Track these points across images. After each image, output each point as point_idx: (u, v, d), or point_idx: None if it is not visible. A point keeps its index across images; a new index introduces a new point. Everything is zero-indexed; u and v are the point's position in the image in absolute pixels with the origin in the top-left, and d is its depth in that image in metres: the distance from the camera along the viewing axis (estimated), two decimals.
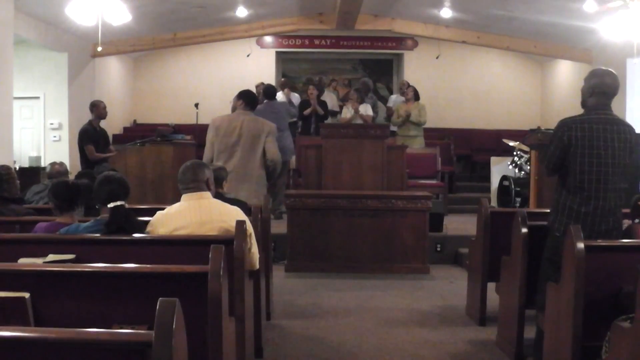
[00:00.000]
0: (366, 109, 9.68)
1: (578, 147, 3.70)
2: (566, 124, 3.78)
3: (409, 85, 10.45)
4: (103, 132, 7.78)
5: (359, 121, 9.45)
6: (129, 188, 3.49)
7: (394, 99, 11.14)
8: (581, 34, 9.92)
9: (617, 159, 3.70)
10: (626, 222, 3.99)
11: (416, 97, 9.92)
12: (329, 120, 10.17)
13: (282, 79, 11.34)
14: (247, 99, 5.86)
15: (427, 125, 10.15)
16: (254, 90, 9.54)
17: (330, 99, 10.90)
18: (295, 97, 10.65)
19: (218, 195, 3.83)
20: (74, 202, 3.65)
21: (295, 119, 9.60)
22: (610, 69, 3.87)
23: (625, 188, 3.81)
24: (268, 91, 8.79)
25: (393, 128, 9.99)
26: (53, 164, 5.73)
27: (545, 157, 3.90)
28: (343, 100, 11.53)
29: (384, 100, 12.61)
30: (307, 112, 10.03)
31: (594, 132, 3.69)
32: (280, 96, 10.19)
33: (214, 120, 5.87)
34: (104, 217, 3.46)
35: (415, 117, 9.66)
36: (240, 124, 5.67)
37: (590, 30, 9.31)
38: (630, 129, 3.78)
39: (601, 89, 3.76)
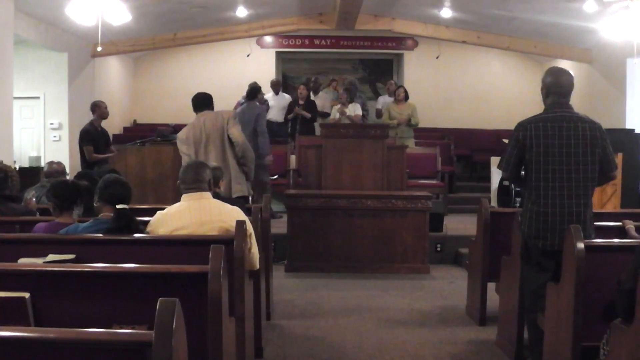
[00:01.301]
0: (355, 109, 9.68)
1: (533, 146, 3.63)
2: (522, 125, 3.73)
3: (399, 86, 10.42)
4: (104, 133, 7.78)
5: (347, 121, 9.45)
6: (131, 194, 3.62)
7: (382, 100, 11.11)
8: (581, 34, 9.92)
9: (574, 157, 3.60)
10: (628, 223, 3.98)
11: (406, 97, 9.88)
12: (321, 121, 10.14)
13: (273, 80, 11.22)
14: (195, 102, 5.79)
15: (427, 125, 10.16)
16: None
17: (323, 99, 10.89)
18: (286, 98, 10.64)
19: (215, 195, 3.83)
20: (74, 202, 3.66)
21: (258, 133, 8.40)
22: (564, 68, 3.84)
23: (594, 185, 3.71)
24: (249, 92, 8.67)
25: None
26: (50, 163, 5.66)
27: (502, 160, 3.81)
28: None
29: None
30: (290, 116, 10.02)
31: (548, 130, 3.62)
32: (270, 97, 10.24)
33: (178, 136, 5.78)
34: (104, 216, 3.48)
35: (414, 120, 9.67)
36: (202, 124, 5.62)
37: (590, 30, 9.32)
38: (591, 125, 3.66)
39: (556, 89, 3.71)
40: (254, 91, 8.62)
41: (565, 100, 3.71)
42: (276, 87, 10.72)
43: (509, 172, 3.78)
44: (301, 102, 10.12)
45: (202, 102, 5.79)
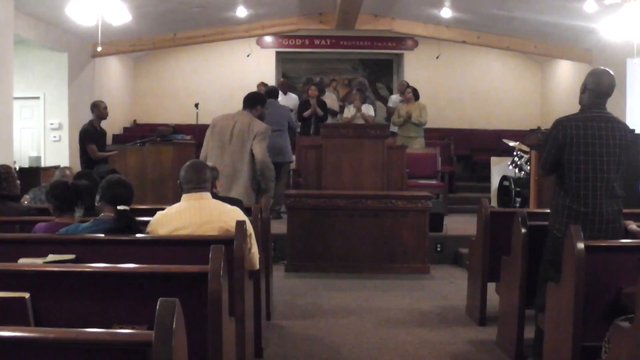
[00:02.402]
0: (368, 109, 9.68)
1: (573, 145, 3.69)
2: (561, 123, 3.78)
3: (408, 86, 10.42)
4: (103, 133, 7.80)
5: (361, 121, 9.45)
6: (133, 194, 3.61)
7: (394, 99, 11.14)
8: (581, 34, 9.92)
9: (612, 157, 3.68)
10: (629, 223, 3.98)
11: (416, 97, 9.91)
12: (330, 121, 10.12)
13: (281, 80, 11.23)
14: (245, 100, 5.88)
15: (427, 125, 10.15)
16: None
17: (330, 99, 10.88)
18: (293, 98, 10.63)
19: (213, 195, 3.83)
20: (74, 203, 3.66)
21: (292, 128, 9.08)
22: (608, 69, 3.88)
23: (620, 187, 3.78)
24: (271, 91, 8.84)
25: (393, 129, 9.99)
26: (63, 170, 5.33)
27: (541, 158, 3.89)
28: (343, 100, 11.52)
29: (384, 100, 12.61)
30: (307, 114, 9.90)
31: (588, 129, 3.68)
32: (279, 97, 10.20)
33: (213, 119, 5.90)
34: (105, 216, 3.48)
35: (416, 119, 9.69)
36: (233, 123, 5.66)
37: (590, 30, 9.31)
38: (624, 126, 3.77)
39: (594, 87, 3.76)
40: (275, 91, 8.75)
41: (602, 101, 3.78)
42: (283, 87, 10.72)
43: (547, 170, 3.86)
44: (312, 102, 10.09)
45: (247, 100, 5.85)
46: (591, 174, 3.68)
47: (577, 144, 3.68)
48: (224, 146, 5.62)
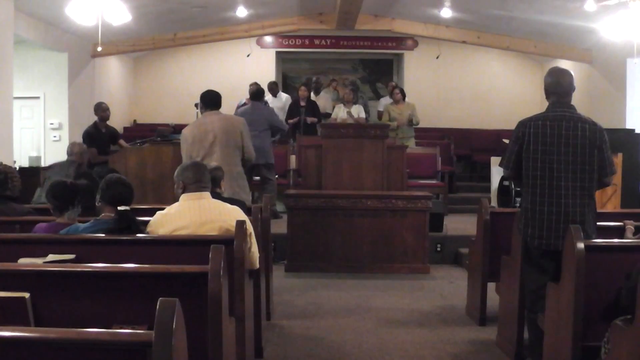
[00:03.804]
0: (359, 111, 9.67)
1: (530, 143, 3.64)
2: (522, 123, 3.75)
3: (396, 86, 10.42)
4: (110, 131, 7.86)
5: (350, 122, 9.45)
6: (133, 194, 3.61)
7: (383, 102, 11.12)
8: (581, 34, 9.92)
9: (573, 157, 3.58)
10: (628, 223, 3.98)
11: (404, 97, 9.90)
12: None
13: (270, 82, 11.09)
14: (204, 100, 5.72)
15: (427, 125, 10.16)
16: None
17: (324, 100, 10.87)
18: (284, 99, 10.62)
19: (216, 195, 3.83)
20: (73, 203, 3.65)
21: (277, 133, 8.84)
22: (565, 68, 3.83)
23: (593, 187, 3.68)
24: (255, 93, 8.73)
25: None
26: (73, 145, 6.05)
27: (503, 158, 3.84)
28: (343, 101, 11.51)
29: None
30: (292, 121, 9.87)
31: (547, 128, 3.62)
32: (268, 99, 10.16)
33: (183, 132, 5.72)
34: (105, 216, 3.48)
35: (415, 119, 9.68)
36: (210, 124, 5.55)
37: (590, 30, 9.32)
38: (592, 126, 3.64)
39: (555, 89, 3.71)
40: (260, 93, 8.68)
41: (566, 100, 3.71)
42: (274, 89, 10.67)
43: (510, 169, 3.79)
44: (302, 103, 10.09)
45: (214, 101, 5.73)
46: (548, 172, 3.60)
47: (535, 142, 3.62)
48: (211, 149, 5.50)
